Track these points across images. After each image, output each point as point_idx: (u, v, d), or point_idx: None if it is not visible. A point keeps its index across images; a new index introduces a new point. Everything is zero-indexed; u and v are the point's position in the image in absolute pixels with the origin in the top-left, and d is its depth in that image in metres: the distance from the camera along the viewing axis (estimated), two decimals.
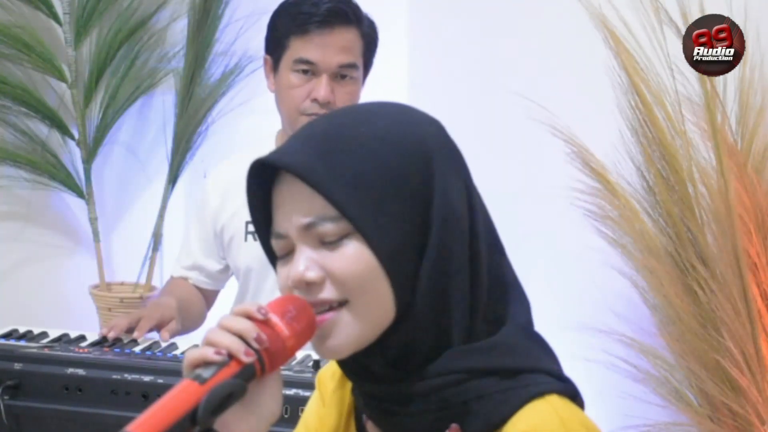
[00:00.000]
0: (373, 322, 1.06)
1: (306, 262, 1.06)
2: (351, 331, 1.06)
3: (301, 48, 2.20)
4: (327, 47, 2.19)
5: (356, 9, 2.24)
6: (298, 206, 1.06)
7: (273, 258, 1.13)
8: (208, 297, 2.46)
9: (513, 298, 1.12)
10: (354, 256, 1.04)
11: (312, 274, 1.05)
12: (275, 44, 2.26)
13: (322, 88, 2.19)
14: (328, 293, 1.05)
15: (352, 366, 1.11)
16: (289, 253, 1.08)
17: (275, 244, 1.10)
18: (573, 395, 1.09)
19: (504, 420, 1.04)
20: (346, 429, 1.19)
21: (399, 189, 1.05)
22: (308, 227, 1.06)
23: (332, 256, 1.05)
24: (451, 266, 1.06)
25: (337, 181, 1.04)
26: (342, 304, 1.06)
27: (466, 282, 1.07)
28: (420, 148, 1.08)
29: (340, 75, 2.21)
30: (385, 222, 1.04)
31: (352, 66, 2.22)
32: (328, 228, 1.05)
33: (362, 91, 2.29)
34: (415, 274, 1.05)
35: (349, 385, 1.18)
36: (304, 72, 2.21)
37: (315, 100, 2.19)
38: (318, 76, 2.20)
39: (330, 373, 1.25)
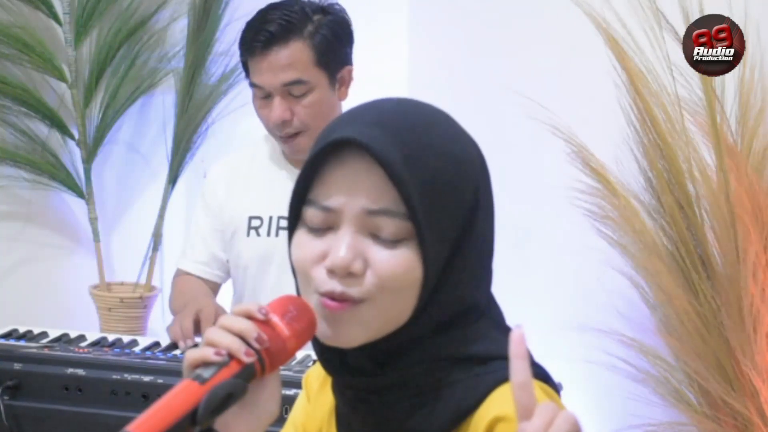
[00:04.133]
0: (389, 324, 1.06)
1: (351, 251, 1.03)
2: (368, 327, 1.05)
3: (252, 72, 2.24)
4: (268, 70, 2.19)
5: (302, 20, 2.21)
6: (367, 189, 1.03)
7: (292, 224, 1.09)
8: (215, 291, 2.46)
9: (494, 302, 1.14)
10: (406, 261, 1.03)
11: (358, 266, 1.03)
12: (243, 67, 2.30)
13: (274, 110, 2.20)
14: (364, 289, 1.03)
15: (330, 357, 1.10)
16: (327, 228, 1.05)
17: (312, 213, 1.06)
18: (545, 379, 1.10)
19: (476, 404, 1.05)
20: (329, 427, 1.19)
21: (454, 203, 1.05)
22: (372, 214, 1.03)
23: (382, 252, 1.03)
24: (473, 282, 1.08)
25: (415, 181, 1.02)
26: (361, 300, 1.04)
27: (482, 297, 1.10)
28: (470, 165, 1.08)
29: (291, 93, 2.21)
30: (440, 234, 1.04)
31: (297, 82, 2.20)
32: (390, 224, 1.03)
33: (360, 90, 2.28)
34: (437, 283, 1.06)
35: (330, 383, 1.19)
36: (261, 95, 2.23)
37: (273, 122, 2.22)
38: (272, 98, 2.21)
39: (315, 374, 1.25)
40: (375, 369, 1.08)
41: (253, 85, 2.24)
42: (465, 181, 1.06)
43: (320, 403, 1.22)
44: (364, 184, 1.03)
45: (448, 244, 1.05)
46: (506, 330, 1.13)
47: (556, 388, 1.12)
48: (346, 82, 2.29)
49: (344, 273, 1.03)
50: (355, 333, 1.05)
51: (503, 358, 1.06)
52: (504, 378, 1.04)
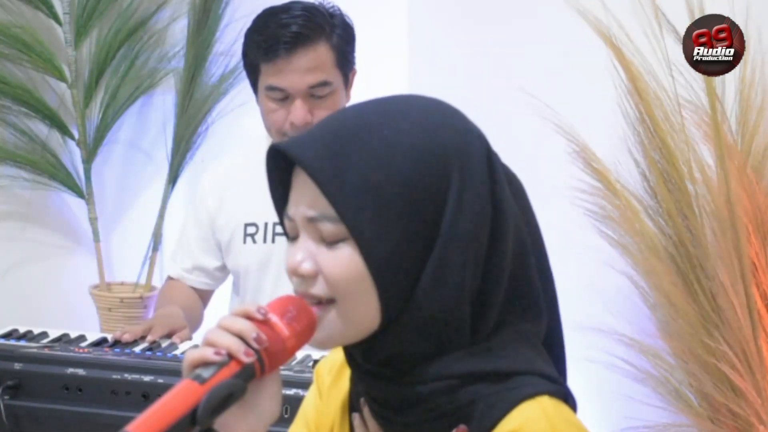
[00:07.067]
0: (357, 327, 1.07)
1: (303, 254, 1.06)
2: (335, 329, 1.06)
3: (270, 75, 2.17)
4: (294, 72, 2.14)
5: (322, 21, 2.17)
6: (306, 197, 1.06)
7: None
8: (205, 297, 2.47)
9: (524, 309, 1.11)
10: (345, 261, 1.04)
11: (306, 268, 1.06)
12: (248, 70, 2.25)
13: (296, 112, 2.16)
14: (318, 289, 1.06)
15: (350, 359, 1.12)
16: (296, 235, 1.09)
17: (287, 224, 1.10)
18: (565, 397, 1.09)
19: (496, 423, 1.04)
20: (341, 423, 1.19)
21: (407, 200, 1.03)
22: (311, 221, 1.06)
23: (327, 254, 1.05)
24: (451, 285, 1.05)
25: (341, 184, 1.03)
26: (330, 301, 1.06)
27: (466, 303, 1.06)
28: (440, 159, 1.05)
29: (314, 95, 2.17)
30: (383, 233, 1.03)
31: (323, 84, 2.17)
32: (328, 227, 1.05)
33: (360, 90, 2.27)
34: (410, 286, 1.05)
35: (345, 380, 1.19)
36: (278, 97, 2.18)
37: (293, 124, 2.18)
38: (292, 100, 2.17)
39: (327, 368, 1.26)
40: (389, 375, 1.07)
41: (270, 87, 2.18)
42: (420, 176, 1.04)
43: (333, 398, 1.23)
44: (304, 191, 1.07)
45: (402, 243, 1.03)
46: (531, 342, 1.10)
47: (571, 404, 1.10)
48: (351, 85, 2.27)
49: (296, 276, 1.07)
50: (324, 336, 1.07)
51: (525, 373, 1.06)
52: (528, 394, 1.05)
